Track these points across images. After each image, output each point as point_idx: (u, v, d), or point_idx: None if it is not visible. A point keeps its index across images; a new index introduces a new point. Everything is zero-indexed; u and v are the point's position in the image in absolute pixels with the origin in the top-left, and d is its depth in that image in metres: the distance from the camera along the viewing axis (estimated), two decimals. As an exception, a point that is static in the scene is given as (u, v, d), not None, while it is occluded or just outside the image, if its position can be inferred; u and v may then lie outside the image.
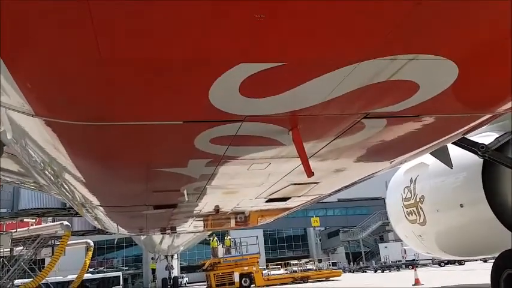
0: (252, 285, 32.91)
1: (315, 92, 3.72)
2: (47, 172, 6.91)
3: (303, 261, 41.51)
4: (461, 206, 15.15)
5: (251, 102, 3.74)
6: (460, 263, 42.97)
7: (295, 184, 7.84)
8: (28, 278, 31.83)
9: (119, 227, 14.60)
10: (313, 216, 58.82)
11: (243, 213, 12.20)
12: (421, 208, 17.07)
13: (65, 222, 28.40)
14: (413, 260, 45.34)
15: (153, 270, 42.39)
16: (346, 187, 9.57)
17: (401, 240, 56.15)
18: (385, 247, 53.88)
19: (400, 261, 48.00)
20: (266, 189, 8.10)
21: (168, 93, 3.55)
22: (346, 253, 69.27)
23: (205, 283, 41.55)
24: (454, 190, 15.48)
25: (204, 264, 36.83)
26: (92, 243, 39.07)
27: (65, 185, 7.49)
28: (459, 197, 15.13)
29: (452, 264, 43.23)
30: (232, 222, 15.00)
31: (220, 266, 33.45)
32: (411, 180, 17.80)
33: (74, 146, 4.76)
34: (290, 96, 3.68)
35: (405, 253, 46.75)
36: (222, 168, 6.11)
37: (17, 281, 31.07)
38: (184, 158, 5.46)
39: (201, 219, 12.90)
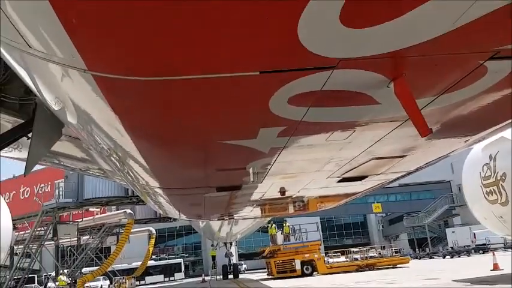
0: (314, 273, 32.07)
1: (437, 18, 2.82)
2: (108, 152, 6.45)
3: (365, 248, 40.12)
4: (552, 183, 13.64)
5: (350, 36, 2.91)
6: (537, 247, 40.01)
7: (377, 158, 6.93)
8: (95, 266, 32.79)
9: (181, 213, 14.24)
10: (373, 202, 56.90)
11: (308, 197, 11.39)
12: (502, 187, 15.63)
13: (128, 211, 28.82)
14: (484, 244, 42.79)
15: (213, 257, 42.56)
16: (429, 164, 8.50)
17: (469, 224, 53.72)
18: (453, 232, 51.35)
19: (469, 246, 45.49)
20: (342, 166, 7.23)
21: (242, 30, 2.78)
22: (409, 240, 66.80)
23: (262, 270, 41.34)
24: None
25: (263, 252, 36.38)
26: (154, 231, 39.79)
27: (128, 166, 7.04)
28: (549, 173, 13.64)
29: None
30: (291, 208, 14.28)
31: (280, 253, 32.80)
32: (490, 157, 16.32)
33: (132, 111, 4.12)
34: (400, 25, 2.81)
35: (475, 237, 44.20)
36: (295, 139, 5.31)
37: (84, 269, 32.07)
38: (255, 125, 4.70)
39: (262, 203, 12.18)
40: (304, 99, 4.02)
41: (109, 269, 30.80)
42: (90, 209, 29.50)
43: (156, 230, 41.79)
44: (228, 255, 39.49)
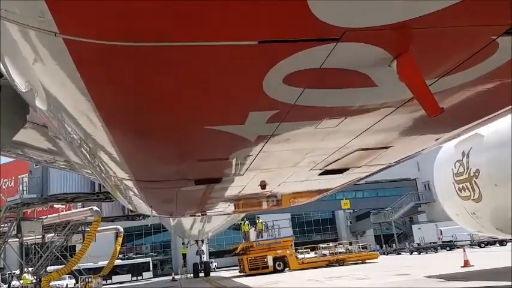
0: (285, 269, 31.98)
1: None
2: (78, 140, 5.93)
3: (332, 244, 40.43)
4: (525, 178, 13.81)
5: (360, 3, 2.60)
6: (502, 243, 41.26)
7: (362, 149, 6.68)
8: (60, 265, 31.68)
9: (153, 209, 13.72)
10: (342, 199, 57.40)
11: (287, 191, 11.11)
12: (475, 183, 15.74)
13: (95, 208, 27.89)
14: (450, 241, 43.71)
15: (184, 256, 41.94)
16: (410, 157, 8.34)
17: (434, 221, 54.84)
18: (419, 228, 52.33)
19: (436, 242, 46.39)
20: (327, 157, 6.94)
21: None
22: (375, 236, 67.85)
23: (233, 268, 40.93)
24: (517, 162, 14.10)
25: (236, 249, 36.05)
26: (121, 229, 38.80)
27: (99, 157, 6.53)
28: (523, 168, 13.80)
29: (492, 245, 41.54)
30: (266, 204, 14.02)
31: (253, 250, 32.56)
32: (463, 154, 16.43)
33: (107, 87, 3.67)
34: None
35: (441, 234, 45.11)
36: (285, 126, 4.98)
37: (49, 268, 30.94)
38: (246, 108, 4.33)
39: (239, 198, 11.82)
40: (301, 78, 3.68)
41: (75, 267, 29.80)
42: (55, 206, 28.45)
43: (123, 229, 40.80)
44: (200, 253, 38.94)
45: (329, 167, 7.88)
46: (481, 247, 41.51)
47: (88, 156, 6.99)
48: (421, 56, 3.39)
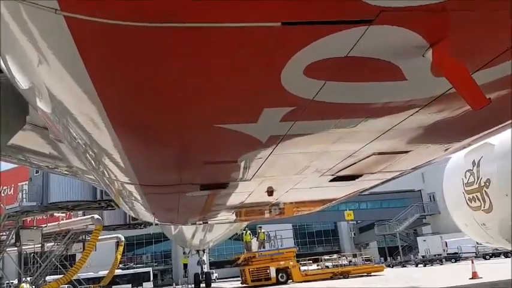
0: (289, 281, 31.38)
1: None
2: (81, 142, 5.62)
3: (335, 256, 39.86)
4: (537, 188, 13.43)
5: None
6: (507, 255, 40.69)
7: (380, 153, 6.33)
8: (60, 274, 31.19)
9: (156, 217, 13.36)
10: (345, 210, 56.86)
11: (294, 199, 10.75)
12: (486, 193, 15.33)
13: (96, 216, 27.48)
14: (456, 253, 43.13)
15: (185, 265, 41.31)
16: (429, 163, 8.00)
17: (439, 233, 54.22)
18: (424, 240, 51.66)
19: (441, 254, 45.80)
20: (341, 161, 6.59)
21: None
22: (378, 248, 67.08)
23: (234, 279, 40.22)
24: (529, 171, 13.74)
25: (238, 259, 35.45)
26: (122, 238, 38.35)
27: (103, 162, 6.21)
28: (535, 178, 13.44)
29: (496, 257, 40.97)
30: (268, 212, 13.65)
31: (255, 261, 31.96)
32: (474, 163, 16.03)
33: (112, 72, 3.35)
34: None
35: (446, 246, 44.53)
36: (300, 125, 4.65)
37: (48, 277, 30.46)
38: (260, 104, 4.01)
39: (242, 206, 11.44)
40: (324, 69, 3.36)
41: (74, 277, 29.31)
42: (55, 214, 28.05)
43: (124, 238, 40.33)
44: (201, 263, 38.36)
45: (341, 173, 7.53)
46: (486, 259, 40.96)
47: (92, 160, 6.68)
48: (459, 44, 3.06)
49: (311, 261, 37.69)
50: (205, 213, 12.76)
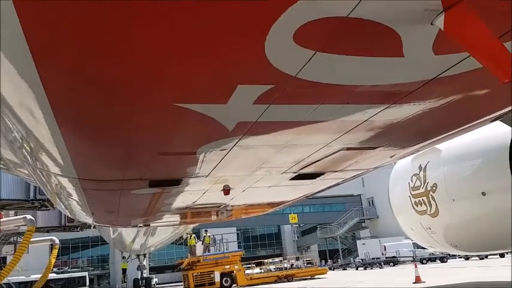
0: (233, 285, 30.80)
1: None
2: (14, 131, 4.80)
3: (278, 259, 39.94)
4: (484, 194, 13.74)
5: None
6: (443, 260, 42.44)
7: (348, 149, 5.93)
8: (-14, 279, 28.76)
9: (95, 218, 12.30)
10: (290, 213, 57.23)
11: (249, 199, 10.18)
12: (432, 197, 15.55)
13: (29, 217, 25.39)
14: (394, 257, 44.45)
15: (124, 270, 39.65)
16: (392, 160, 7.73)
17: (378, 237, 55.77)
18: (363, 244, 52.97)
19: (379, 258, 47.07)
20: (309, 155, 6.12)
21: None
22: (319, 251, 68.15)
23: (174, 284, 39.03)
24: (475, 177, 14.04)
25: (181, 264, 34.40)
26: (57, 241, 35.93)
27: (38, 149, 5.36)
28: (481, 184, 13.72)
29: (432, 262, 42.60)
30: (217, 215, 13.05)
31: (199, 265, 31.12)
32: (420, 167, 16.27)
33: (53, 35, 2.70)
34: None
35: (385, 250, 45.83)
36: (274, 109, 4.12)
37: (-27, 283, 28.00)
38: (234, 79, 3.42)
39: (192, 207, 10.73)
40: (318, 34, 2.85)
41: (4, 281, 27.07)
42: (-17, 214, 25.82)
43: (59, 240, 38.05)
44: (141, 268, 36.93)
45: (305, 170, 7.08)
46: (422, 263, 42.41)
47: (24, 148, 5.80)
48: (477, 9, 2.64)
49: (254, 265, 37.46)
50: (150, 214, 11.89)
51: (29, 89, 3.43)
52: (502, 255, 34.69)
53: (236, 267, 31.32)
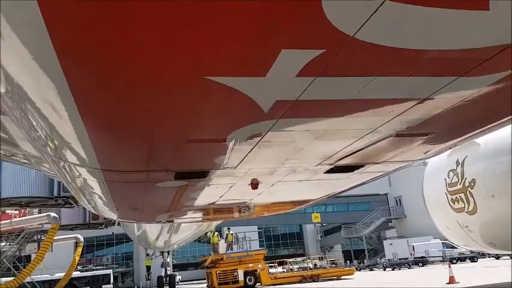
0: (257, 284, 30.25)
1: None
2: (37, 119, 4.44)
3: (301, 259, 39.41)
4: (526, 189, 12.89)
5: None
6: (473, 260, 41.17)
7: (397, 135, 5.26)
8: (12, 276, 28.94)
9: (119, 214, 11.91)
10: (312, 212, 56.44)
11: (276, 195, 9.58)
12: (470, 194, 14.71)
13: (53, 214, 25.45)
14: (423, 257, 43.23)
15: (148, 268, 39.46)
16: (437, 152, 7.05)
17: (405, 237, 54.54)
18: (390, 244, 51.67)
19: (407, 258, 45.89)
20: (350, 144, 5.49)
21: None
22: (343, 251, 67.06)
23: (198, 281, 38.73)
24: (516, 172, 13.18)
25: (204, 261, 34.02)
26: (81, 239, 36.13)
27: (59, 139, 4.96)
28: (522, 178, 12.88)
29: (462, 262, 41.30)
30: (239, 212, 12.50)
31: (222, 263, 30.63)
32: (457, 163, 15.41)
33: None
34: None
35: (414, 250, 44.62)
36: (320, 83, 3.51)
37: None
38: (278, 42, 2.85)
39: (216, 203, 10.17)
40: None
41: (27, 279, 27.17)
42: (8, 211, 25.91)
43: (84, 238, 38.19)
44: (165, 265, 36.70)
45: (343, 161, 6.44)
46: (452, 263, 41.18)
47: (46, 141, 5.41)
48: None
49: (276, 264, 37.00)
50: (174, 209, 11.42)
51: (51, 83, 3.34)
52: (497, 257, 33.55)
53: (260, 265, 30.70)
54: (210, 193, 8.54)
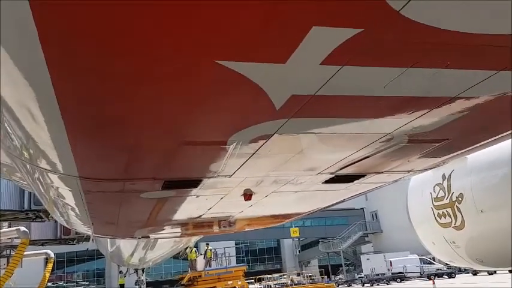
0: (236, 302, 29.46)
1: None
2: (15, 125, 3.95)
3: (277, 275, 38.84)
4: (516, 204, 12.73)
5: None
6: (450, 276, 41.31)
7: (410, 141, 4.82)
8: (-23, 295, 27.38)
9: (94, 226, 11.14)
10: (291, 227, 55.97)
11: (268, 207, 9.05)
12: (458, 209, 14.49)
13: (23, 228, 24.14)
14: (401, 272, 43.21)
15: (121, 286, 38.11)
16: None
17: (382, 252, 54.58)
18: (367, 259, 51.59)
19: (384, 274, 45.81)
20: (357, 150, 5.03)
21: None
22: (319, 266, 66.69)
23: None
24: (507, 186, 13.01)
25: (182, 279, 32.94)
26: (52, 255, 34.59)
27: (36, 143, 4.38)
28: (513, 193, 12.71)
29: (439, 277, 41.40)
30: (220, 226, 11.91)
31: (201, 281, 29.70)
32: (444, 177, 15.21)
33: None
34: None
35: (391, 265, 44.58)
36: (347, 74, 3.08)
37: (-38, 298, 26.60)
38: (311, 16, 2.37)
39: (203, 215, 9.55)
40: None
41: (-6, 298, 25.72)
42: (-26, 226, 24.60)
43: (54, 254, 36.68)
44: (139, 283, 35.44)
45: (344, 170, 5.98)
46: (430, 279, 41.22)
47: (21, 144, 4.81)
48: None
49: (254, 281, 36.34)
50: (155, 224, 10.74)
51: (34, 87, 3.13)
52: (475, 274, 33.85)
53: (239, 282, 29.92)
54: (198, 205, 7.94)
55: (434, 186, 15.45)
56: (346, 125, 4.17)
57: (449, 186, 14.82)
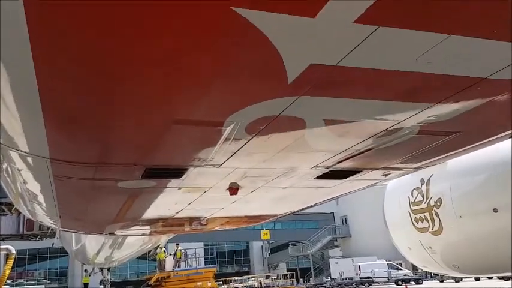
0: (204, 304, 28.79)
1: None
2: None
3: (246, 277, 38.51)
4: (496, 210, 12.69)
5: None
6: (418, 282, 41.81)
7: (420, 132, 4.44)
8: None
9: (62, 220, 10.38)
10: (262, 229, 55.69)
11: (254, 204, 8.57)
12: (436, 214, 14.36)
13: (-18, 222, 23.06)
14: (369, 277, 43.44)
15: (86, 285, 36.90)
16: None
17: (349, 256, 54.92)
18: (336, 263, 51.75)
19: (353, 278, 46.05)
20: (363, 140, 4.62)
21: None
22: (287, 269, 66.65)
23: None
24: (487, 192, 12.96)
25: (149, 279, 31.99)
26: (13, 251, 33.14)
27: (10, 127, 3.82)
28: (493, 200, 12.67)
29: (407, 283, 41.80)
30: (192, 224, 11.41)
31: (169, 281, 28.87)
32: (422, 181, 15.09)
33: None
34: None
35: (359, 269, 44.81)
36: (381, 38, 2.66)
37: None
38: None
39: (182, 210, 8.96)
40: None
41: None
42: None
43: (16, 250, 35.15)
44: (104, 282, 34.33)
45: (341, 165, 5.58)
46: (398, 284, 41.61)
47: None
48: None
49: (222, 282, 35.88)
50: (130, 219, 10.07)
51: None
52: (477, 279, 34.19)
53: (209, 284, 29.29)
54: (178, 199, 7.39)
55: (413, 191, 15.31)
56: (359, 109, 3.74)
57: (427, 191, 14.71)
